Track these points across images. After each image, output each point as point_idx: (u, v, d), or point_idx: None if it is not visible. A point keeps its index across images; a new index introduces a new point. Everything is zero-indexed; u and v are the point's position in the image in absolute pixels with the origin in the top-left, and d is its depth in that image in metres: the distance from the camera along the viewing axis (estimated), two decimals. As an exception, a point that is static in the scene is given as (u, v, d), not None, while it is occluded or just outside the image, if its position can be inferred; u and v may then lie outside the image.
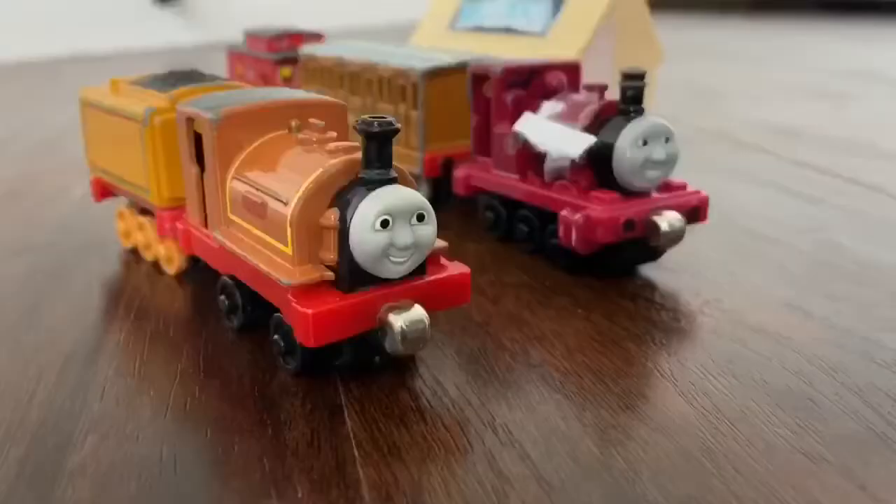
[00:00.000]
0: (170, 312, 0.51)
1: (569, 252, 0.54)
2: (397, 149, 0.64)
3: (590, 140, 0.52)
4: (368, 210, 0.38)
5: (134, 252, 0.61)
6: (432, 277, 0.41)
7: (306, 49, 0.81)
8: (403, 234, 0.38)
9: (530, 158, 0.57)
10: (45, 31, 1.98)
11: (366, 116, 0.38)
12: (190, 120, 0.47)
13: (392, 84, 0.69)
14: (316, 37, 0.93)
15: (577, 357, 0.44)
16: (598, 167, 0.53)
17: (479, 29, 0.91)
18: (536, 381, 0.42)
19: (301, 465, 0.35)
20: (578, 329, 0.48)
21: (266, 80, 0.92)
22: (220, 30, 2.22)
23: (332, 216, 0.39)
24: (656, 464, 0.35)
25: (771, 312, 0.49)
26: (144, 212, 0.58)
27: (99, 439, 0.37)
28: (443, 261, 0.43)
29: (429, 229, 0.39)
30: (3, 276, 0.57)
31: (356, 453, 0.36)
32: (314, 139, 0.43)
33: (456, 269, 0.43)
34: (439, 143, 0.68)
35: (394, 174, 0.39)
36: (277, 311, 0.41)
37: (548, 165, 0.56)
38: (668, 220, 0.51)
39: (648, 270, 0.56)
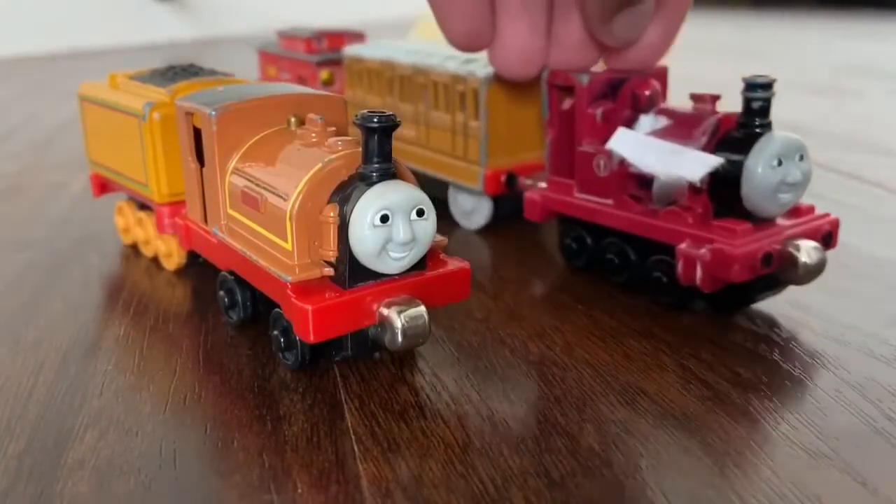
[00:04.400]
0: (169, 308, 0.51)
1: (674, 287, 0.48)
2: (454, 162, 0.64)
3: (714, 161, 0.45)
4: (367, 205, 0.37)
5: (133, 247, 0.61)
6: (432, 273, 0.41)
7: (351, 50, 0.74)
8: (403, 230, 0.38)
9: (627, 181, 0.50)
10: (44, 27, 1.97)
11: (365, 111, 0.38)
12: (189, 115, 0.47)
13: (449, 90, 0.63)
14: (357, 36, 0.85)
15: (577, 352, 0.44)
16: (720, 191, 0.46)
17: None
18: (536, 376, 0.42)
19: (300, 460, 0.35)
20: (578, 324, 0.48)
21: (304, 84, 0.82)
22: (219, 25, 2.21)
23: (332, 211, 0.38)
24: (656, 459, 0.35)
25: (771, 308, 0.49)
26: (144, 207, 0.58)
27: (98, 434, 0.37)
28: (442, 256, 0.43)
29: (428, 224, 0.39)
30: (3, 272, 0.57)
31: (356, 448, 0.36)
32: (313, 134, 0.42)
33: (456, 264, 0.43)
34: (502, 156, 0.62)
35: (393, 169, 0.39)
36: (277, 306, 0.41)
37: (657, 190, 0.49)
38: (806, 250, 0.44)
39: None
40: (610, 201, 0.51)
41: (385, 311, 0.39)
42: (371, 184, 0.38)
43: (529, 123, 0.62)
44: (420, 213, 0.38)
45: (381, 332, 0.39)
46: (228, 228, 0.45)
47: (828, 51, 1.72)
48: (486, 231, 0.64)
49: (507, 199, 0.63)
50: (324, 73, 0.83)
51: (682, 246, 0.45)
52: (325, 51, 0.84)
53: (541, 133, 0.62)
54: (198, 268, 0.56)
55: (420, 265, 0.41)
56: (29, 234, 0.65)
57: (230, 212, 0.45)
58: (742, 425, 0.37)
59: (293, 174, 0.40)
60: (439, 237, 0.42)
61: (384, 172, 0.38)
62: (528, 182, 0.60)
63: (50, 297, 0.53)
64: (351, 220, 0.38)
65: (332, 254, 0.39)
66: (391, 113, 0.38)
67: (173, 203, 0.53)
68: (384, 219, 0.37)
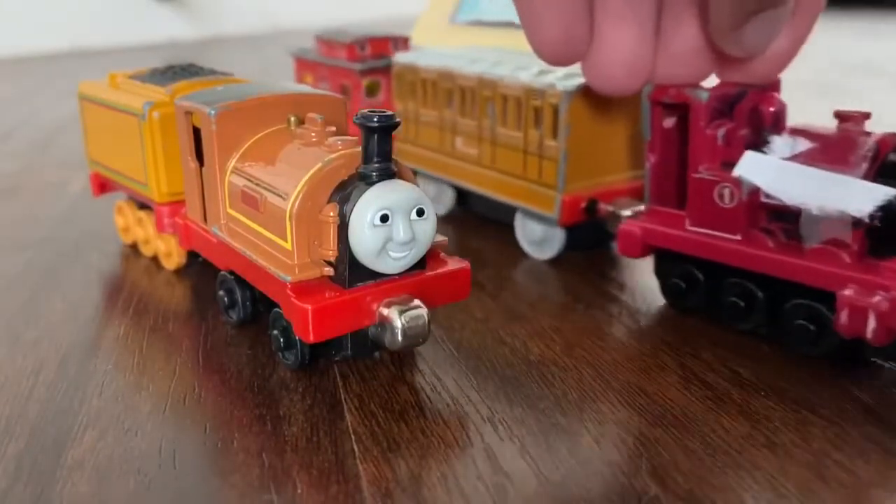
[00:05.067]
0: (169, 307, 0.51)
1: (825, 337, 0.42)
2: (525, 185, 0.57)
3: (888, 193, 0.39)
4: (367, 205, 0.37)
5: (133, 247, 0.61)
6: (432, 272, 0.41)
7: (403, 58, 0.67)
8: (403, 229, 0.38)
9: (757, 213, 0.43)
10: (44, 26, 1.97)
11: (365, 110, 0.38)
12: (188, 114, 0.47)
13: (522, 105, 0.56)
14: (403, 41, 0.78)
15: (577, 352, 0.44)
16: (881, 227, 0.39)
17: (479, 23, 0.90)
18: (536, 376, 0.42)
19: (300, 460, 0.35)
20: (578, 324, 0.47)
21: (346, 94, 0.77)
22: (219, 24, 2.21)
23: (332, 211, 0.38)
24: (657, 459, 0.35)
25: (771, 307, 0.49)
26: (144, 206, 0.58)
27: (98, 434, 0.37)
28: (442, 256, 0.43)
29: (428, 224, 0.39)
30: (2, 271, 0.57)
31: (355, 448, 0.36)
32: (313, 133, 0.42)
33: (456, 264, 0.43)
34: (583, 180, 0.55)
35: (393, 168, 0.39)
36: (276, 306, 0.41)
37: (806, 226, 0.42)
38: None
39: (648, 267, 0.56)
40: (737, 236, 0.44)
41: (385, 311, 0.39)
42: (371, 183, 0.38)
43: (612, 143, 0.55)
44: (420, 212, 0.38)
45: (380, 331, 0.39)
46: (228, 228, 0.45)
47: (828, 49, 1.71)
48: (485, 231, 0.64)
49: (583, 227, 0.56)
50: (368, 83, 0.75)
51: (847, 292, 0.38)
52: (368, 57, 0.76)
53: (625, 153, 0.56)
54: (197, 267, 0.56)
55: (420, 265, 0.41)
56: (29, 233, 0.65)
57: (230, 211, 0.45)
58: (742, 425, 0.37)
59: (293, 174, 0.40)
60: (439, 237, 0.42)
61: (384, 172, 0.38)
62: (612, 209, 0.54)
63: (50, 297, 0.53)
64: (351, 219, 0.38)
65: (331, 253, 0.39)
66: (391, 112, 0.38)
67: (173, 202, 0.53)
68: (384, 218, 0.37)
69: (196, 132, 0.47)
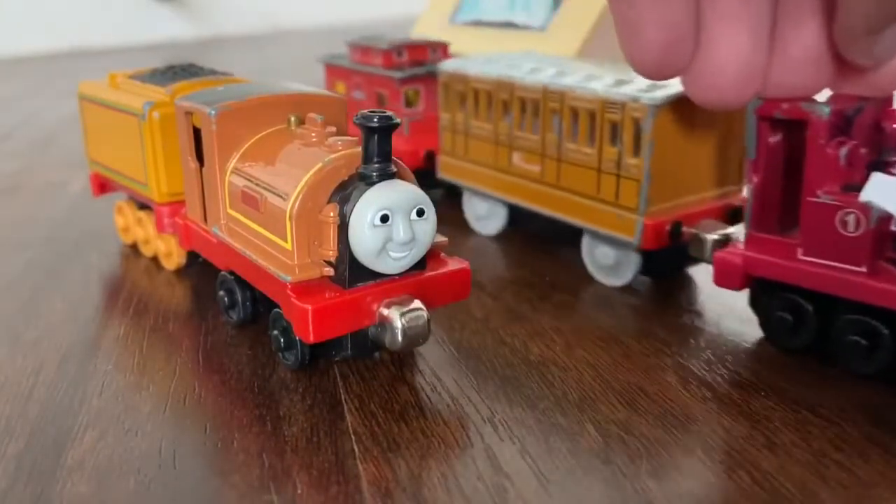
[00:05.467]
0: (169, 307, 0.51)
1: None
2: (598, 206, 0.51)
3: None
4: (367, 205, 0.37)
5: (133, 247, 0.61)
6: (432, 273, 0.41)
7: (451, 65, 0.62)
8: (403, 230, 0.38)
9: (886, 242, 0.40)
10: (44, 26, 1.97)
11: (365, 111, 0.38)
12: (189, 114, 0.47)
13: (597, 118, 0.51)
14: (441, 47, 0.72)
15: (577, 353, 0.44)
16: None
17: (479, 23, 0.90)
18: (536, 376, 0.42)
19: (300, 460, 0.35)
20: (578, 325, 0.47)
21: (382, 104, 0.72)
22: (219, 25, 2.21)
23: (332, 211, 0.38)
24: (656, 459, 0.35)
25: (771, 308, 0.49)
26: (144, 207, 0.58)
27: (98, 434, 0.37)
28: (443, 256, 0.43)
29: (428, 224, 0.39)
30: (2, 271, 0.57)
31: (355, 448, 0.36)
32: (313, 133, 0.42)
33: (456, 264, 0.43)
34: (667, 201, 0.50)
35: (393, 169, 0.39)
36: (277, 306, 0.41)
37: None
38: None
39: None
40: (861, 268, 0.39)
41: (385, 312, 0.39)
42: (371, 184, 0.38)
43: (697, 160, 0.50)
44: (420, 213, 0.38)
45: (381, 332, 0.39)
46: (228, 228, 0.45)
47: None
48: (496, 236, 0.64)
49: (661, 251, 0.50)
50: (407, 92, 0.69)
51: None
52: (405, 64, 0.70)
53: (709, 171, 0.52)
54: (198, 267, 0.56)
55: (420, 265, 0.41)
56: (29, 233, 0.65)
57: (230, 211, 0.45)
58: (742, 425, 0.37)
59: (293, 174, 0.40)
60: (439, 237, 0.42)
61: (384, 172, 0.38)
62: (696, 232, 0.49)
63: (50, 297, 0.53)
64: (351, 219, 0.38)
65: (332, 254, 0.39)
66: (390, 113, 0.38)
67: (173, 203, 0.53)
68: (384, 219, 0.37)
69: (196, 132, 0.47)
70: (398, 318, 0.38)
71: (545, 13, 0.84)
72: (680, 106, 0.48)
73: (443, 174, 0.65)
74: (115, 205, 0.62)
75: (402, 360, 0.44)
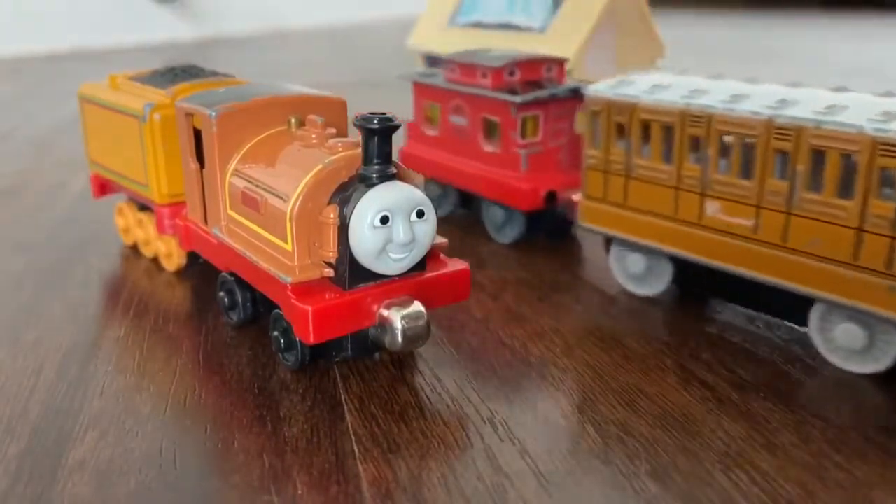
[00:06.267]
0: (169, 308, 0.51)
1: None
2: (847, 273, 0.40)
3: None
4: (367, 206, 0.37)
5: (133, 248, 0.61)
6: (432, 274, 0.41)
7: (605, 89, 0.50)
8: (403, 231, 0.38)
9: None
10: (45, 27, 1.97)
11: (365, 113, 0.38)
12: (189, 116, 0.47)
13: (860, 163, 0.40)
14: (556, 64, 0.62)
15: (577, 353, 0.44)
16: None
17: (478, 24, 0.91)
18: (536, 377, 0.42)
19: (301, 461, 0.35)
20: (578, 325, 0.48)
21: (493, 133, 0.60)
22: (220, 26, 2.21)
23: (332, 212, 0.39)
24: (656, 460, 0.35)
25: (770, 309, 0.49)
26: (144, 208, 0.58)
27: (98, 435, 0.37)
28: (442, 257, 0.43)
29: (428, 226, 0.39)
30: (3, 272, 0.57)
31: (356, 449, 0.36)
32: (313, 135, 0.42)
33: (456, 265, 0.43)
34: None
35: (393, 170, 0.39)
36: (277, 307, 0.41)
37: None
38: None
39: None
40: None
41: (385, 313, 0.39)
42: (371, 185, 0.38)
43: None
44: (420, 214, 0.39)
45: (381, 333, 0.39)
46: (228, 229, 0.45)
47: (828, 52, 1.72)
48: (486, 231, 0.64)
49: None
50: (525, 119, 0.58)
51: None
52: (516, 85, 0.60)
53: None
54: (198, 268, 0.56)
55: (420, 266, 0.41)
56: (29, 234, 0.65)
57: (230, 213, 0.45)
58: (742, 426, 0.37)
59: (293, 175, 0.40)
60: (439, 238, 0.42)
61: (384, 174, 0.38)
62: None
63: (50, 298, 0.53)
64: (351, 221, 0.38)
65: (332, 255, 0.39)
66: (391, 114, 0.38)
67: (173, 204, 0.53)
68: (384, 220, 0.37)
69: (197, 134, 0.47)
70: (398, 319, 0.38)
71: (545, 14, 0.84)
72: None
73: (586, 223, 0.52)
74: (115, 206, 0.62)
75: (402, 360, 0.44)
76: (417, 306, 0.39)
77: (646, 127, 0.48)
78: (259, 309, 0.46)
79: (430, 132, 0.65)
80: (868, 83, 1.28)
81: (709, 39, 1.99)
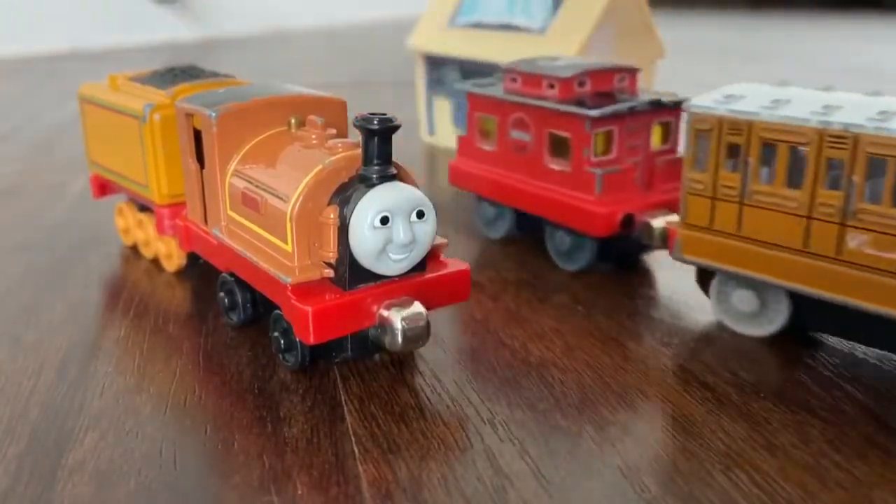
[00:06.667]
0: (169, 309, 0.51)
1: None
2: None
3: None
4: (367, 207, 0.37)
5: (133, 248, 0.61)
6: (432, 274, 0.41)
7: (712, 104, 0.44)
8: (403, 231, 0.38)
9: None
10: (45, 28, 1.97)
11: (365, 112, 0.38)
12: (189, 116, 0.47)
13: None
14: (629, 73, 0.56)
15: (577, 354, 0.44)
16: None
17: (478, 25, 0.91)
18: (536, 378, 0.42)
19: (301, 461, 0.35)
20: (578, 326, 0.48)
21: (563, 151, 0.54)
22: (220, 26, 2.21)
23: (332, 213, 0.39)
24: (656, 461, 0.35)
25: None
26: (144, 208, 0.58)
27: (98, 436, 0.37)
28: (442, 258, 0.43)
29: (428, 226, 0.39)
30: (3, 273, 0.57)
31: (356, 450, 0.36)
32: (313, 135, 0.43)
33: (456, 266, 0.43)
34: None
35: (393, 171, 0.39)
36: (277, 307, 0.41)
37: None
38: None
39: (647, 267, 0.56)
40: None
41: (385, 313, 0.39)
42: (371, 185, 0.38)
43: None
44: (420, 214, 0.39)
45: (381, 333, 0.39)
46: (228, 230, 0.45)
47: (829, 52, 1.72)
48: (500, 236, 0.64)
49: None
50: (598, 136, 0.52)
51: None
52: (586, 96, 0.54)
53: None
54: (198, 269, 0.56)
55: (420, 267, 0.41)
56: (29, 235, 0.65)
57: (230, 213, 0.45)
58: (742, 427, 0.37)
59: (293, 176, 0.40)
60: (439, 238, 0.42)
61: (384, 174, 0.39)
62: None
63: (50, 299, 0.53)
64: (351, 221, 0.38)
65: (332, 255, 0.39)
66: (391, 115, 0.38)
67: (173, 204, 0.53)
68: (384, 220, 0.37)
69: (197, 134, 0.47)
70: (398, 319, 0.38)
71: (545, 15, 0.84)
72: None
73: (687, 255, 0.47)
74: (115, 206, 0.62)
75: (402, 361, 0.44)
76: (417, 307, 0.39)
77: (768, 147, 0.42)
78: (259, 309, 0.46)
79: (486, 147, 0.60)
80: (867, 83, 1.28)
81: (709, 39, 1.99)
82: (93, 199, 0.63)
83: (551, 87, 0.54)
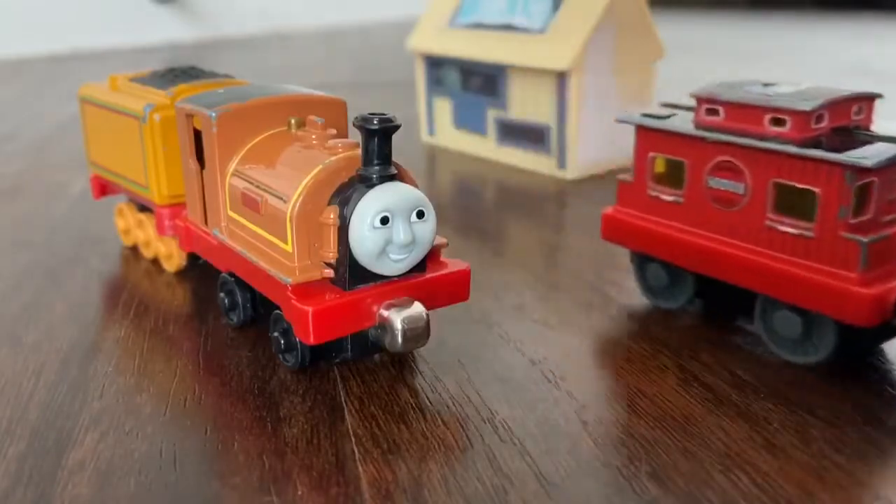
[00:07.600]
0: (169, 309, 0.51)
1: None
2: None
3: None
4: (367, 207, 0.37)
5: (133, 249, 0.61)
6: (432, 274, 0.41)
7: None
8: (403, 232, 0.38)
9: None
10: (45, 28, 1.97)
11: (365, 113, 0.38)
12: (189, 116, 0.47)
13: None
14: (868, 101, 0.43)
15: (577, 354, 0.44)
16: None
17: (479, 26, 0.91)
18: (536, 378, 0.42)
19: (301, 462, 0.35)
20: (578, 327, 0.48)
21: (807, 210, 0.40)
22: (220, 26, 2.21)
23: (332, 213, 0.39)
24: (656, 461, 0.35)
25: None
26: (144, 209, 0.58)
27: (98, 436, 0.37)
28: (442, 258, 0.43)
29: (428, 226, 0.39)
30: (3, 273, 0.57)
31: (356, 450, 0.36)
32: (314, 136, 0.43)
33: (456, 266, 0.43)
34: None
35: (393, 171, 0.39)
36: (277, 307, 0.41)
37: None
38: None
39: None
40: None
41: (385, 313, 0.39)
42: (371, 186, 0.38)
43: None
44: (420, 214, 0.39)
45: (381, 333, 0.39)
46: (229, 230, 0.45)
47: (827, 53, 1.72)
48: (486, 233, 0.64)
49: None
50: (857, 190, 0.39)
51: None
52: (823, 135, 0.41)
53: None
54: (198, 269, 0.56)
55: (420, 267, 0.41)
56: (29, 235, 0.65)
57: (230, 213, 0.45)
58: (741, 427, 0.37)
59: (293, 176, 0.40)
60: (439, 239, 0.42)
61: (384, 174, 0.39)
62: None
63: (50, 299, 0.53)
64: (351, 221, 0.38)
65: (332, 255, 0.39)
66: (391, 115, 0.38)
67: (173, 205, 0.53)
68: (384, 221, 0.37)
69: (197, 134, 0.47)
70: (398, 319, 0.38)
71: (545, 15, 0.84)
72: None
73: None
74: (115, 207, 0.62)
75: (402, 361, 0.44)
76: (417, 307, 0.39)
77: None
78: (259, 310, 0.46)
79: (666, 197, 0.47)
80: (868, 83, 1.28)
81: (709, 39, 1.99)
82: (93, 199, 0.63)
83: (778, 122, 0.41)
